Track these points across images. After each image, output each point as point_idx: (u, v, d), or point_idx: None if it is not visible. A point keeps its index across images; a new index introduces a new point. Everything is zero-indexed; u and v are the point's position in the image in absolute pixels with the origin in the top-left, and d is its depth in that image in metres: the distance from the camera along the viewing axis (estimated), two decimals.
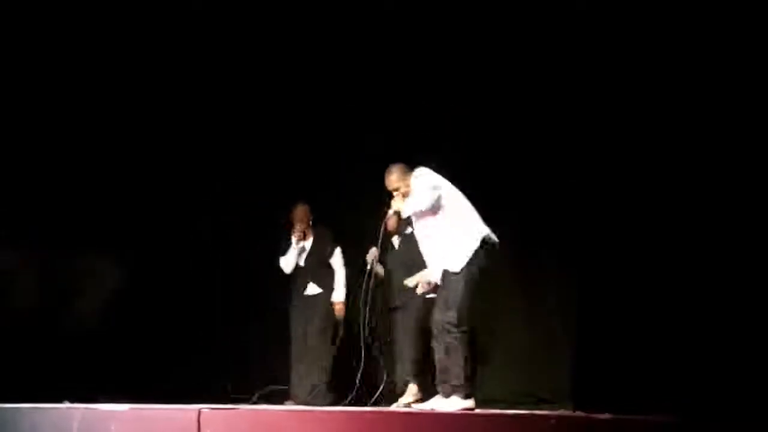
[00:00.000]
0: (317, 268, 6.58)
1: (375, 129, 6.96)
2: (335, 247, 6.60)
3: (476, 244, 4.90)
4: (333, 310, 6.53)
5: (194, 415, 3.89)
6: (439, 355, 4.95)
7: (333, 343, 6.52)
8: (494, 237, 4.98)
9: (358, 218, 6.55)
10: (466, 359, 4.80)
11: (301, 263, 6.64)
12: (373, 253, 5.95)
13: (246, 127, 7.30)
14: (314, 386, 6.33)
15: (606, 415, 4.28)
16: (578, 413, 4.54)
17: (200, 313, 7.18)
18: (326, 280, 6.58)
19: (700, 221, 5.59)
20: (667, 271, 5.61)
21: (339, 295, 6.56)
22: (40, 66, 6.57)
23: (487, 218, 5.49)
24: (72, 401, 4.13)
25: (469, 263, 4.88)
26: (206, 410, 3.93)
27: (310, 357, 6.44)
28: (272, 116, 7.25)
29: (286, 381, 6.58)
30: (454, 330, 4.83)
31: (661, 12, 5.92)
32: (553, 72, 6.37)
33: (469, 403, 4.80)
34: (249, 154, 7.31)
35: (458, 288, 4.86)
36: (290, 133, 7.23)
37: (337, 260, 6.60)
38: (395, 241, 6.24)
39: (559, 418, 4.20)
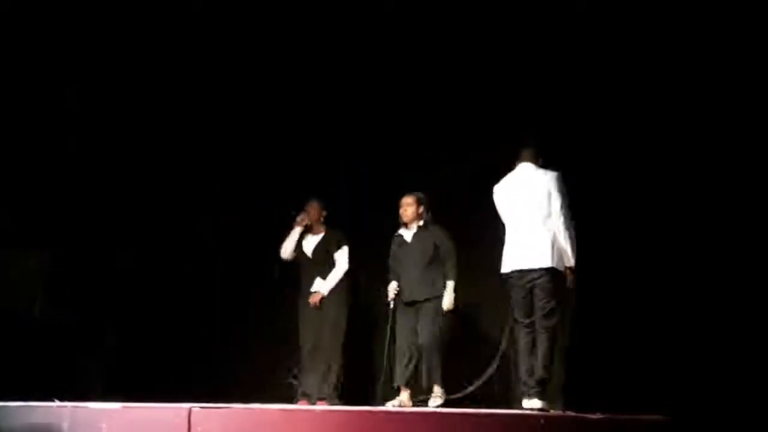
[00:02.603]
0: (324, 263, 6.51)
1: (376, 130, 6.97)
2: (343, 244, 6.54)
3: None
4: (343, 311, 6.45)
5: (185, 414, 3.91)
6: None
7: (344, 340, 6.43)
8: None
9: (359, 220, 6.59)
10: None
11: (309, 253, 6.59)
12: (393, 287, 6.05)
13: (246, 127, 7.32)
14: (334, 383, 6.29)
15: (596, 415, 4.28)
16: (568, 413, 4.53)
17: (200, 313, 7.19)
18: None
19: (692, 218, 5.60)
20: (659, 272, 5.61)
21: (327, 285, 6.45)
22: (41, 65, 6.63)
23: (484, 218, 5.55)
24: (62, 400, 4.15)
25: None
26: (197, 409, 3.94)
27: (323, 357, 6.38)
28: (272, 116, 7.27)
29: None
30: None
31: (662, 12, 5.91)
32: (552, 73, 6.37)
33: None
34: (249, 154, 7.32)
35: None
36: (291, 133, 7.24)
37: (341, 254, 6.52)
38: (407, 234, 6.21)
39: (548, 417, 4.21)
